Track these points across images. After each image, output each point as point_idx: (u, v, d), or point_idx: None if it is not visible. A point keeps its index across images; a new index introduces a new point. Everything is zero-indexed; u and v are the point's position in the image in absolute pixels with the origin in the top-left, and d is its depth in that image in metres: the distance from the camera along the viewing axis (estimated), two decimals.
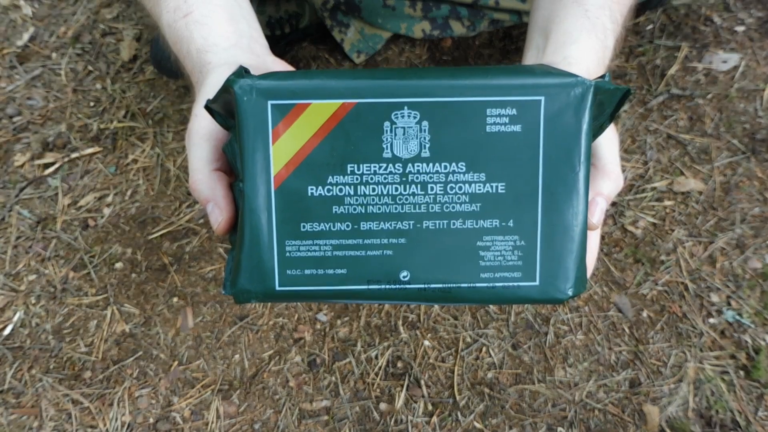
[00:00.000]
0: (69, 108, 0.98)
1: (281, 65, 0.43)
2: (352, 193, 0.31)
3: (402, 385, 0.78)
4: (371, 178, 0.31)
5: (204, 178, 0.36)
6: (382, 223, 0.31)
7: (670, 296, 0.82)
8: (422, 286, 0.31)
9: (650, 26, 1.00)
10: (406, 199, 0.31)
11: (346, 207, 0.31)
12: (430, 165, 0.31)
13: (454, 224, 0.31)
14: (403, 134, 0.30)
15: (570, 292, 0.31)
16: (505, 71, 0.31)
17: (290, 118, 0.30)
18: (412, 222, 0.31)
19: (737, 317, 0.80)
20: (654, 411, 0.76)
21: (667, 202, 0.87)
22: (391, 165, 0.31)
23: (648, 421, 0.75)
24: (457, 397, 0.77)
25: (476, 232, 0.31)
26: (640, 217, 0.87)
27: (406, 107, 0.30)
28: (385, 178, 0.31)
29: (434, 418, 0.76)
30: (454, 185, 0.31)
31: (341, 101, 0.30)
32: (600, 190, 0.35)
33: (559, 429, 0.75)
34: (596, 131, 0.34)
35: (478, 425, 0.76)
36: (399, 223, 0.31)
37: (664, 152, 0.91)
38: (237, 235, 0.32)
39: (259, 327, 0.82)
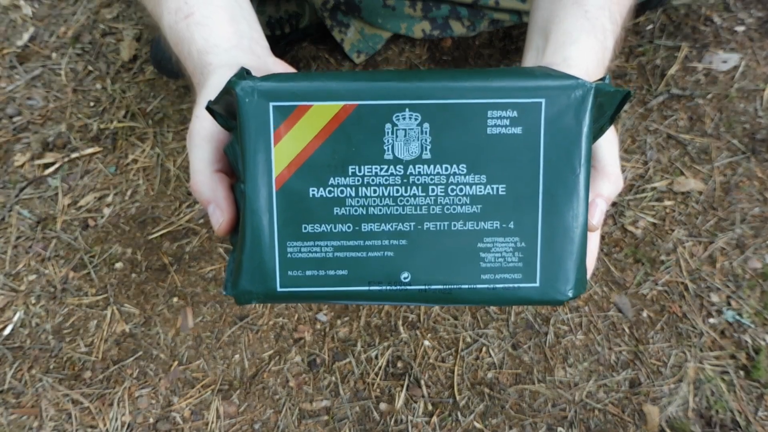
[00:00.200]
0: (69, 108, 0.98)
1: (282, 66, 0.43)
2: (353, 194, 0.31)
3: (402, 385, 0.78)
4: (372, 180, 0.31)
5: (205, 180, 0.36)
6: (383, 224, 0.31)
7: (670, 296, 0.82)
8: (423, 287, 0.31)
9: (650, 26, 1.00)
10: (407, 201, 0.31)
11: (348, 208, 0.31)
12: (431, 167, 0.31)
13: (454, 226, 0.31)
14: (405, 136, 0.31)
15: (570, 294, 0.32)
16: (506, 73, 0.31)
17: (292, 120, 0.31)
18: (413, 223, 0.31)
19: (737, 317, 0.80)
20: (654, 411, 0.76)
21: (667, 202, 0.87)
22: (392, 167, 0.31)
23: (648, 421, 0.75)
24: (457, 397, 0.77)
25: (477, 234, 0.31)
26: (640, 217, 0.87)
27: (407, 109, 0.30)
28: (386, 180, 0.31)
29: (434, 418, 0.76)
30: (455, 187, 0.31)
31: (342, 103, 0.30)
32: (600, 191, 0.35)
33: (559, 429, 0.75)
34: (596, 133, 0.34)
35: (478, 425, 0.76)
36: (400, 224, 0.31)
37: (664, 152, 0.91)
38: (238, 236, 0.33)
39: (259, 327, 0.82)
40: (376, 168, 0.31)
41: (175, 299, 0.84)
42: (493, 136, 0.31)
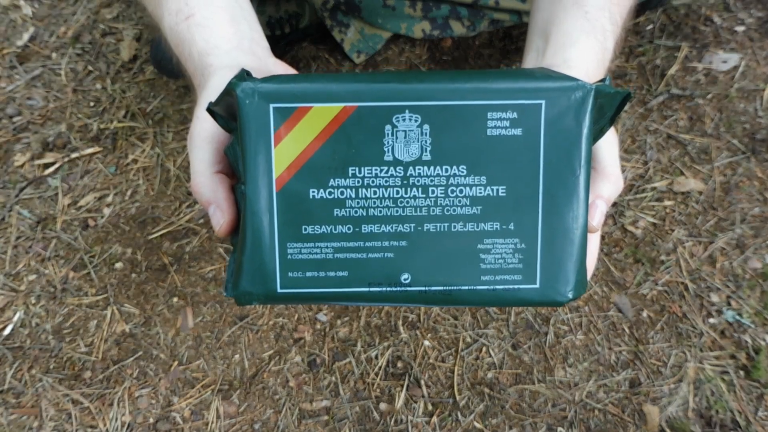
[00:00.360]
0: (69, 108, 0.98)
1: (282, 67, 0.43)
2: (353, 196, 0.31)
3: (402, 385, 0.78)
4: (372, 181, 0.31)
5: (206, 181, 0.36)
6: (383, 225, 0.31)
7: (670, 296, 0.82)
8: (423, 288, 0.31)
9: (650, 26, 1.00)
10: (407, 202, 0.31)
11: (348, 210, 0.31)
12: (431, 168, 0.31)
13: (454, 227, 0.31)
14: (405, 137, 0.31)
15: (570, 295, 0.32)
16: (506, 75, 0.32)
17: (292, 122, 0.31)
18: (413, 225, 0.31)
19: (737, 317, 0.80)
20: (654, 411, 0.76)
21: (667, 202, 0.87)
22: (392, 168, 0.31)
23: (648, 421, 0.75)
24: (457, 397, 0.77)
25: (477, 235, 0.31)
26: (640, 217, 0.87)
27: (407, 110, 0.30)
28: (386, 181, 0.31)
29: (434, 418, 0.76)
30: (455, 188, 0.31)
31: (343, 105, 0.31)
32: (600, 192, 0.35)
33: (559, 429, 0.75)
34: (596, 135, 0.34)
35: (478, 425, 0.76)
36: (400, 225, 0.31)
37: (664, 152, 0.91)
38: (239, 238, 0.33)
39: (259, 327, 0.82)
40: (376, 169, 0.31)
41: (175, 299, 0.84)
42: (493, 138, 0.31)
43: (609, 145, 0.37)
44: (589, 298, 0.82)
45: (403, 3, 0.89)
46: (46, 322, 0.84)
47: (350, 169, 0.31)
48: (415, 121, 0.31)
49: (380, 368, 0.79)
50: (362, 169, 0.31)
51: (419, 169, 0.31)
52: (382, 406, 0.77)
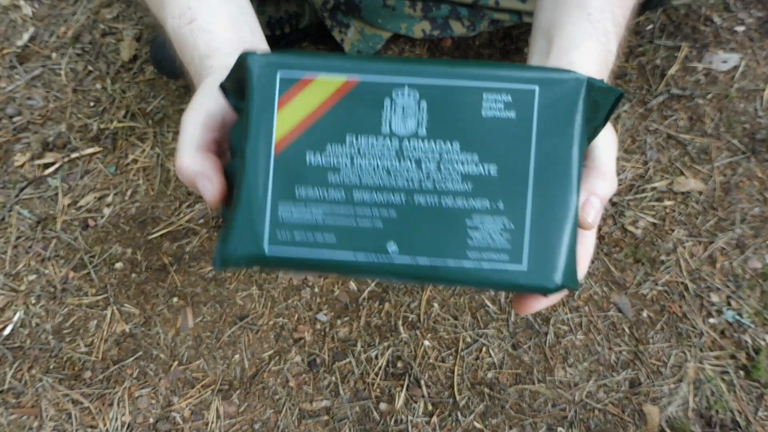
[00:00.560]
0: (69, 108, 0.98)
1: None
2: (348, 164, 0.32)
3: (402, 385, 0.78)
4: (368, 151, 0.32)
5: (193, 153, 0.36)
6: (374, 194, 0.32)
7: (670, 296, 0.82)
8: (409, 259, 0.32)
9: (650, 26, 1.00)
10: (400, 174, 0.32)
11: (342, 177, 0.32)
12: (426, 143, 0.32)
13: (444, 202, 0.32)
14: (402, 112, 0.32)
15: (558, 281, 0.31)
16: (503, 64, 0.33)
17: (296, 90, 0.32)
18: (403, 196, 0.32)
19: (737, 317, 0.80)
20: (654, 411, 0.76)
21: (667, 202, 0.87)
22: (388, 140, 0.32)
23: (648, 421, 0.75)
24: (457, 397, 0.77)
25: (466, 212, 0.32)
26: (640, 217, 0.87)
27: (406, 87, 0.32)
28: (381, 152, 0.32)
29: (434, 418, 0.76)
30: (447, 164, 0.32)
31: (346, 77, 0.32)
32: (594, 189, 0.35)
33: (559, 429, 0.75)
34: (591, 134, 0.35)
35: (478, 425, 0.76)
36: (391, 195, 0.32)
37: (664, 152, 0.91)
38: (232, 201, 0.33)
39: (259, 327, 0.82)
40: (372, 139, 0.32)
41: (175, 299, 0.84)
42: (487, 119, 0.32)
43: (607, 144, 0.37)
44: (589, 298, 0.82)
45: (403, 3, 0.89)
46: (46, 322, 0.84)
47: (348, 137, 0.32)
48: (414, 97, 0.32)
49: (380, 368, 0.79)
50: (359, 138, 0.32)
51: (414, 142, 0.32)
52: (382, 406, 0.77)
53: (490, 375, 0.79)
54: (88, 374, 0.80)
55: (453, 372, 0.79)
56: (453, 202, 0.32)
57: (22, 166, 0.94)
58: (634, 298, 0.82)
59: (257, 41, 0.46)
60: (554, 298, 0.35)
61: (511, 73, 0.32)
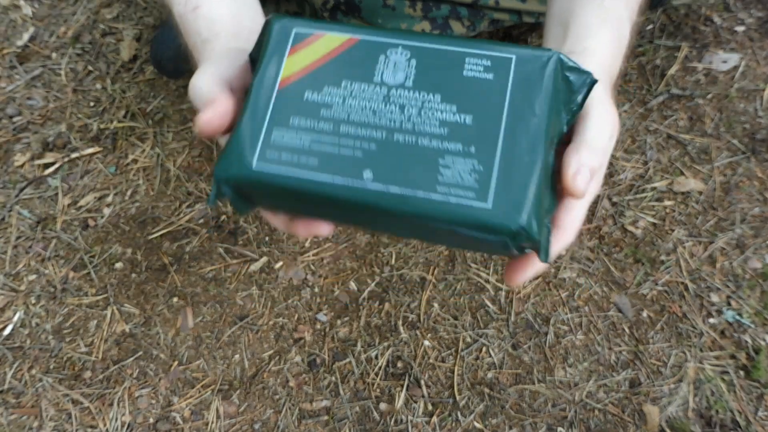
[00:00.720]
0: (69, 108, 0.98)
1: None
2: (340, 102, 0.37)
3: (402, 385, 0.78)
4: (359, 94, 0.37)
5: (209, 79, 0.39)
6: (359, 129, 0.36)
7: (670, 296, 0.82)
8: (381, 186, 0.35)
9: (650, 26, 1.00)
10: (384, 115, 0.37)
11: (333, 112, 0.37)
12: (411, 92, 0.37)
13: (421, 141, 0.36)
14: (394, 66, 0.37)
15: (522, 222, 0.34)
16: (489, 41, 0.38)
17: (307, 42, 0.38)
18: (384, 133, 0.36)
19: (737, 317, 0.80)
20: (654, 411, 0.76)
21: (667, 202, 0.87)
22: (378, 87, 0.37)
23: (648, 421, 0.75)
24: (457, 397, 0.77)
25: (440, 152, 0.35)
26: (640, 217, 0.87)
27: (400, 47, 0.38)
28: (370, 96, 0.37)
29: (434, 418, 0.76)
30: (428, 111, 0.36)
31: (349, 35, 0.38)
32: (583, 159, 0.37)
33: (559, 429, 0.75)
34: (570, 117, 0.39)
35: (478, 425, 0.76)
36: (373, 131, 0.36)
37: (664, 152, 0.91)
38: (233, 128, 0.38)
39: (259, 327, 0.82)
40: (364, 85, 0.37)
41: (175, 299, 0.84)
42: (467, 78, 0.36)
43: (599, 121, 0.39)
44: (589, 298, 0.82)
45: (403, 3, 0.89)
46: (46, 322, 0.84)
47: (343, 81, 0.37)
48: (405, 56, 0.37)
49: (380, 368, 0.79)
50: (353, 83, 0.37)
51: (400, 91, 0.37)
52: (382, 406, 0.77)
53: (490, 375, 0.79)
54: (88, 374, 0.80)
55: (453, 372, 0.79)
56: (429, 143, 0.36)
57: (22, 166, 0.94)
58: (634, 298, 0.82)
59: (256, 29, 0.47)
60: (539, 266, 0.37)
61: (493, 45, 0.37)
